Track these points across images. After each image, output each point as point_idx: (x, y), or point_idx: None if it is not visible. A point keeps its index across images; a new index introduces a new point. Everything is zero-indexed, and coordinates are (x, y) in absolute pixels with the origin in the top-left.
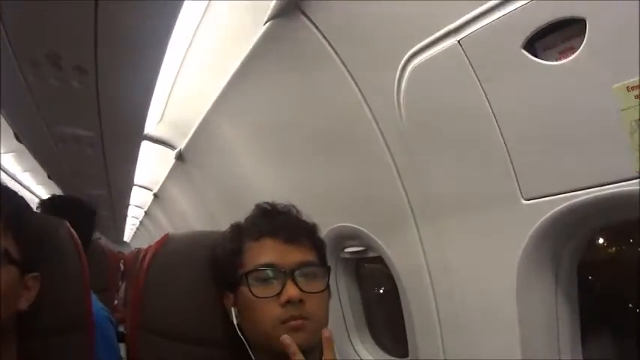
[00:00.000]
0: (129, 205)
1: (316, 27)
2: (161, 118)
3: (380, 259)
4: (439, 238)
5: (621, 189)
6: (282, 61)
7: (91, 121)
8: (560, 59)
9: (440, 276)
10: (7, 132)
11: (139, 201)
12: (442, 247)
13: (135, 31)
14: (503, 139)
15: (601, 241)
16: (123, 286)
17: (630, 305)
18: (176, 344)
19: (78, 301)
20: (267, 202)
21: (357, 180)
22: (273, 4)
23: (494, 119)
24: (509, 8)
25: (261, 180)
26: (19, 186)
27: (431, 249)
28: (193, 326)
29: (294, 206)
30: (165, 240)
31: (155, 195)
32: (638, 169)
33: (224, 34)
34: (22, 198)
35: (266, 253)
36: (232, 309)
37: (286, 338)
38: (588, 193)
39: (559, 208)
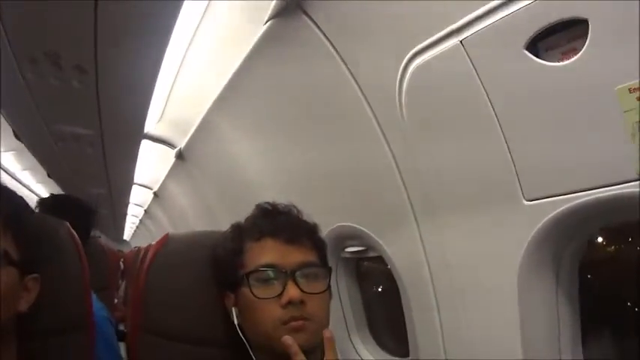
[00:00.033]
0: (129, 203)
1: (318, 26)
2: (161, 117)
3: (380, 259)
4: (440, 238)
5: (623, 190)
6: (283, 60)
7: (90, 120)
8: (562, 60)
9: (441, 276)
10: (7, 130)
11: (138, 200)
12: (443, 246)
13: (135, 30)
14: (505, 139)
15: (600, 239)
16: (123, 285)
17: (629, 304)
18: (177, 344)
19: (78, 301)
20: (267, 202)
21: (358, 180)
22: (273, 3)
23: (496, 120)
24: (512, 9)
25: (262, 179)
26: (19, 184)
27: (431, 248)
28: (194, 326)
29: (294, 206)
30: (166, 240)
31: (155, 194)
32: (639, 171)
33: (224, 33)
34: (21, 198)
35: (267, 253)
36: (233, 309)
37: (288, 339)
38: (590, 195)
39: (561, 209)
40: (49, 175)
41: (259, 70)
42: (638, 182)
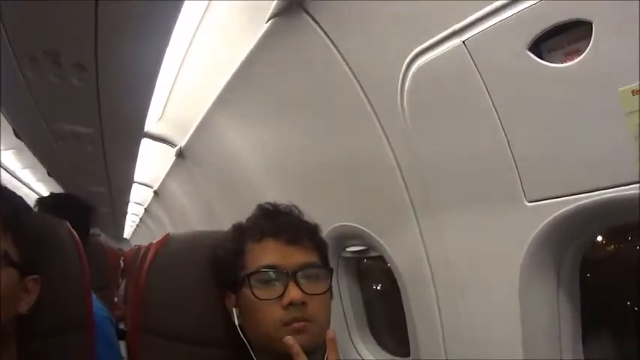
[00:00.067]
0: (129, 202)
1: (319, 25)
2: (161, 116)
3: (381, 257)
4: (441, 238)
5: (626, 192)
6: (285, 59)
7: (91, 119)
8: (565, 61)
9: (442, 275)
10: (7, 129)
11: (139, 198)
12: (444, 246)
13: (135, 28)
14: (507, 140)
15: (599, 238)
16: (123, 284)
17: (629, 303)
18: (177, 345)
19: (78, 301)
20: (269, 203)
21: (360, 179)
22: (275, 2)
23: (498, 121)
24: (515, 9)
25: (262, 177)
26: (19, 183)
27: (432, 248)
28: (195, 327)
29: (296, 207)
30: (167, 240)
31: (155, 192)
32: None
33: (225, 32)
34: (20, 198)
35: (268, 254)
36: (234, 310)
37: (289, 339)
38: (592, 197)
39: (563, 210)
40: (49, 174)
41: (260, 69)
42: (639, 184)
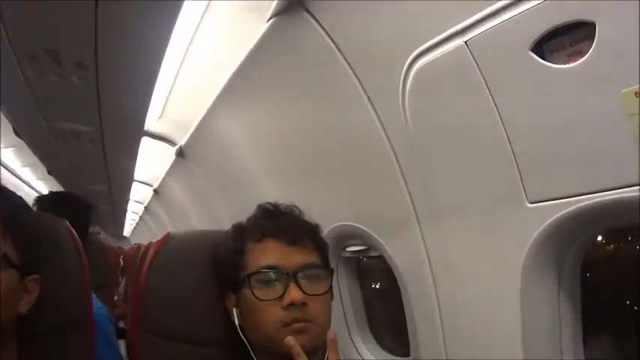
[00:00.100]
0: (129, 200)
1: (320, 25)
2: (162, 115)
3: (381, 257)
4: (442, 238)
5: (627, 194)
6: (285, 58)
7: (90, 117)
8: (568, 62)
9: (442, 275)
10: (7, 127)
11: (139, 196)
12: (445, 246)
13: (135, 26)
14: (509, 141)
15: (599, 238)
16: (123, 282)
17: (628, 302)
18: (177, 344)
19: (78, 301)
20: (269, 203)
21: (360, 179)
22: (275, 2)
23: (500, 121)
24: (518, 10)
25: (262, 177)
26: (19, 181)
27: (433, 248)
28: (195, 326)
29: (296, 207)
30: (167, 239)
31: (155, 191)
32: None
33: (226, 31)
34: (20, 198)
35: (268, 254)
36: (234, 310)
37: (290, 339)
38: (594, 198)
39: (564, 212)
40: (49, 172)
41: (261, 69)
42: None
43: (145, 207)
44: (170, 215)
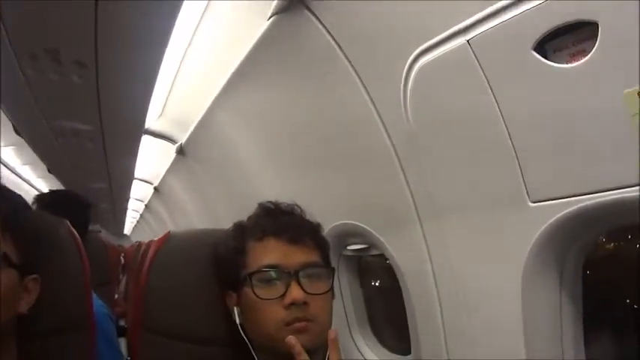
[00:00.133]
0: (129, 198)
1: (321, 23)
2: (162, 113)
3: (382, 255)
4: (443, 237)
5: (629, 194)
6: (286, 56)
7: (90, 115)
8: (571, 62)
9: (443, 274)
10: (7, 126)
11: (139, 194)
12: (446, 245)
13: (135, 25)
14: (511, 140)
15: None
16: (124, 280)
17: (628, 301)
18: (178, 343)
19: (79, 301)
20: (270, 201)
21: (361, 178)
22: (276, 0)
23: (502, 120)
24: (520, 9)
25: (263, 175)
26: (19, 179)
27: (435, 247)
28: (195, 325)
29: (297, 205)
30: (167, 238)
31: (156, 189)
32: None
33: (226, 29)
34: (20, 197)
35: (269, 253)
36: (235, 309)
37: (291, 339)
38: (596, 198)
39: (566, 211)
40: (49, 171)
41: (261, 67)
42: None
43: (146, 205)
44: (170, 213)
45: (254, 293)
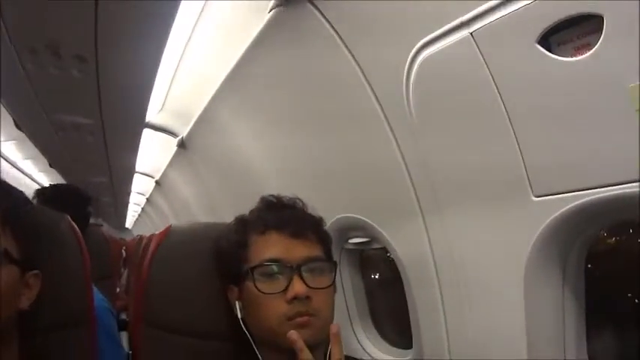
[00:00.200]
0: (130, 192)
1: (323, 15)
2: (163, 106)
3: (384, 249)
4: (446, 230)
5: (632, 189)
6: (287, 49)
7: (91, 109)
8: (575, 55)
9: (445, 268)
10: (8, 120)
11: (140, 188)
12: (449, 239)
13: (136, 19)
14: (514, 133)
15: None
16: (125, 273)
17: (630, 295)
18: (179, 337)
19: (80, 296)
20: (272, 195)
21: (364, 171)
22: None
23: (506, 114)
24: (525, 2)
25: (264, 168)
26: (21, 174)
27: (437, 241)
28: (197, 319)
29: (299, 199)
30: (168, 231)
31: (157, 182)
32: None
33: (227, 21)
34: (20, 192)
35: (272, 247)
36: (237, 303)
37: (293, 334)
38: (599, 193)
39: (569, 206)
40: (50, 165)
41: (262, 59)
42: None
43: (147, 198)
44: (172, 206)
45: (256, 287)
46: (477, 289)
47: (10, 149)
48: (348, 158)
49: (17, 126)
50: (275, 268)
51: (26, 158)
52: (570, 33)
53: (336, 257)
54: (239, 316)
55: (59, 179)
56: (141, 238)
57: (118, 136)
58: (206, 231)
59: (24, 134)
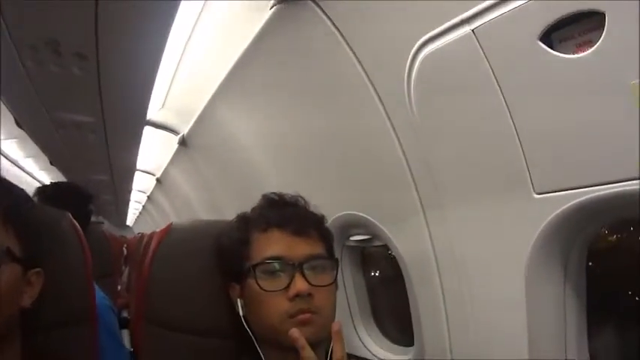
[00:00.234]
0: (131, 190)
1: (324, 12)
2: (164, 104)
3: (385, 246)
4: (447, 228)
5: (633, 187)
6: (288, 46)
7: (92, 107)
8: (577, 52)
9: (447, 265)
10: (9, 118)
11: (141, 186)
12: (450, 236)
13: (136, 16)
14: (516, 131)
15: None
16: (126, 271)
17: (630, 292)
18: (181, 335)
19: (81, 294)
20: (274, 192)
21: (365, 168)
22: None
23: (507, 111)
24: None
25: (265, 166)
26: (22, 172)
27: (438, 238)
28: (198, 317)
29: (301, 197)
30: (170, 229)
31: (158, 180)
32: None
33: (228, 18)
34: (21, 190)
35: (273, 245)
36: (238, 300)
37: (295, 332)
38: (601, 190)
39: (571, 203)
40: (51, 163)
41: (264, 57)
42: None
43: (148, 196)
44: (173, 204)
45: (258, 285)
46: (478, 287)
47: (11, 147)
48: (350, 155)
49: (18, 124)
50: (277, 265)
51: (27, 156)
52: (572, 30)
53: (337, 255)
54: (241, 313)
55: (60, 177)
56: (142, 235)
57: (119, 133)
58: (207, 228)
59: (25, 132)
